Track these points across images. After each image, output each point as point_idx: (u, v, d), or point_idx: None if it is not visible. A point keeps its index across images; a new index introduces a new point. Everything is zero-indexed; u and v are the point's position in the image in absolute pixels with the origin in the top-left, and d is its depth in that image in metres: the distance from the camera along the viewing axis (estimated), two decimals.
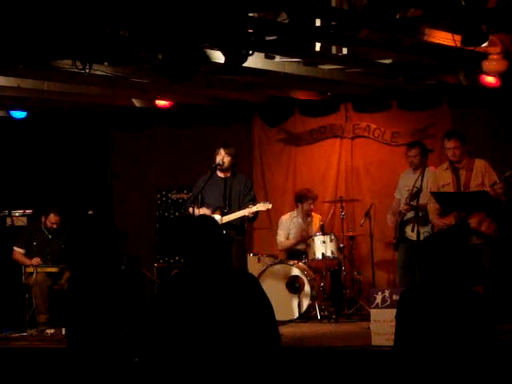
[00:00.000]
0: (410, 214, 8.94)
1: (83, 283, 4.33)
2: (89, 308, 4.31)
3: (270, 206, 8.60)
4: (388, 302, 7.12)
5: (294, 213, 10.48)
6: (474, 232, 8.06)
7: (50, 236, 9.84)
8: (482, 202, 8.03)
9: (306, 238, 10.16)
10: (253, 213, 8.53)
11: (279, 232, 10.48)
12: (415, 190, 8.68)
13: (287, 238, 10.39)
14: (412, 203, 8.81)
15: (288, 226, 10.44)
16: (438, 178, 8.34)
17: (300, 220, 10.41)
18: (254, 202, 8.61)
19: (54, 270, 9.50)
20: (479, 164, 8.30)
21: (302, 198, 10.32)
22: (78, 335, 4.34)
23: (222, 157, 8.64)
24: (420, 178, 8.62)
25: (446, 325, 4.05)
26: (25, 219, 10.59)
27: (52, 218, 9.77)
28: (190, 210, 8.56)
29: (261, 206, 8.54)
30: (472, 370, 3.99)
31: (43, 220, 9.88)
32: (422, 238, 8.42)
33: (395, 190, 9.50)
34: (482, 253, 8.09)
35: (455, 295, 4.11)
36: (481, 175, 8.16)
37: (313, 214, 10.48)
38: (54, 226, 9.77)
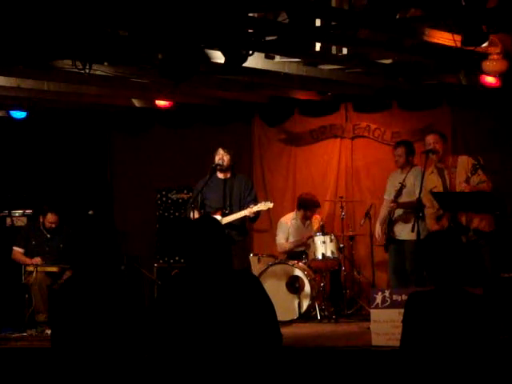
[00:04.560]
0: (399, 212, 9.01)
1: (80, 283, 4.30)
2: (83, 308, 4.29)
3: (271, 206, 8.56)
4: (388, 302, 7.11)
5: (293, 215, 10.47)
6: (466, 229, 8.09)
7: (48, 235, 9.84)
8: (482, 202, 8.03)
9: (305, 242, 10.17)
10: (254, 213, 8.49)
11: (279, 234, 10.47)
12: (399, 186, 8.81)
13: (287, 240, 10.40)
14: (398, 200, 8.92)
15: (287, 228, 10.43)
16: (427, 182, 8.38)
17: (299, 223, 10.42)
18: (256, 202, 8.57)
19: (53, 269, 9.51)
20: (462, 160, 8.35)
21: (306, 206, 10.31)
22: (65, 336, 4.31)
23: (221, 156, 8.62)
24: (406, 180, 8.91)
25: (454, 328, 4.04)
26: (25, 219, 10.60)
27: (50, 218, 9.77)
28: (191, 214, 8.52)
29: (262, 206, 8.50)
30: (478, 374, 3.98)
31: (41, 220, 9.87)
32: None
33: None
34: (480, 250, 8.10)
35: (461, 297, 4.09)
36: (464, 171, 8.18)
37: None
38: (53, 226, 9.77)
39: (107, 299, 4.33)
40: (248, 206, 8.50)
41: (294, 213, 10.48)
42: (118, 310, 4.33)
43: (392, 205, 8.99)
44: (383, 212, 9.34)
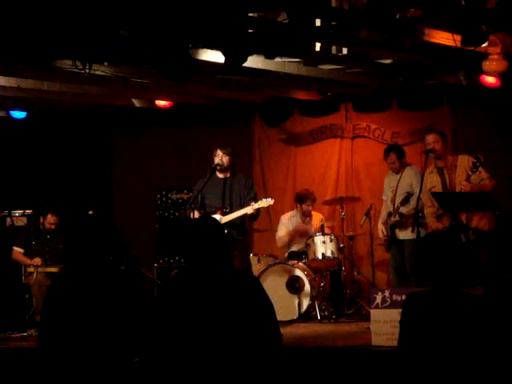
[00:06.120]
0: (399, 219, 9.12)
1: (72, 280, 4.29)
2: (74, 306, 4.28)
3: (272, 202, 8.56)
4: (388, 302, 7.11)
5: (294, 212, 10.52)
6: (466, 228, 8.09)
7: (48, 236, 9.83)
8: (482, 202, 8.03)
9: (303, 234, 10.19)
10: (255, 210, 8.49)
11: (278, 230, 10.53)
12: (405, 194, 8.85)
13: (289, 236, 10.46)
14: (403, 208, 9.02)
15: (287, 225, 10.48)
16: (426, 181, 8.38)
17: (298, 219, 10.44)
18: (256, 200, 8.58)
19: (54, 270, 9.50)
20: (463, 160, 8.34)
21: (301, 199, 10.35)
22: (54, 335, 4.29)
23: (220, 157, 8.62)
24: (401, 181, 9.03)
25: (452, 329, 4.04)
26: (25, 219, 10.59)
27: (50, 219, 9.76)
28: (190, 214, 8.52)
29: (263, 203, 8.50)
30: (477, 375, 3.98)
31: (41, 221, 9.86)
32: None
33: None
34: (478, 249, 8.10)
35: (459, 298, 4.09)
36: (465, 170, 8.18)
37: (313, 212, 10.50)
38: (53, 227, 9.76)
39: (101, 298, 4.32)
40: (249, 204, 8.50)
41: (294, 210, 10.52)
42: (115, 309, 4.32)
43: (396, 219, 9.04)
44: (384, 212, 9.38)
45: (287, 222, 10.50)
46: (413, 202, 8.92)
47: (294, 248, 10.42)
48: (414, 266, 8.76)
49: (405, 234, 8.99)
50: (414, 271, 8.72)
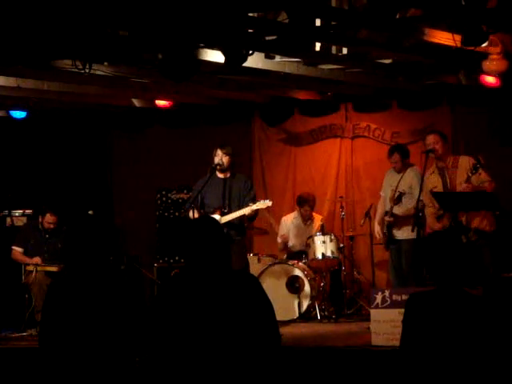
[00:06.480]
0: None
1: (73, 279, 4.30)
2: (75, 305, 4.28)
3: (270, 204, 8.57)
4: (388, 302, 7.11)
5: (295, 213, 10.53)
6: (467, 229, 8.09)
7: (47, 235, 9.83)
8: (482, 202, 8.03)
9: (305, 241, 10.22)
10: (253, 211, 8.50)
11: (279, 232, 10.54)
12: (397, 193, 8.85)
13: (286, 238, 10.46)
14: (396, 208, 8.99)
15: (288, 227, 10.48)
16: (427, 181, 8.39)
17: (300, 221, 10.45)
18: (255, 201, 8.59)
19: (53, 269, 9.50)
20: (463, 160, 8.35)
21: (300, 203, 10.38)
22: (55, 336, 4.28)
23: (220, 157, 8.62)
24: (402, 180, 9.01)
25: (454, 329, 4.04)
26: (24, 219, 10.58)
27: (48, 218, 9.75)
28: (190, 213, 8.53)
29: (261, 204, 8.52)
30: (478, 375, 3.98)
31: (40, 220, 9.87)
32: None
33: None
34: (481, 250, 8.10)
35: (461, 299, 4.09)
36: (465, 171, 8.18)
37: (314, 214, 10.51)
38: (51, 226, 9.75)
39: (102, 298, 4.32)
40: (247, 205, 8.51)
41: (296, 212, 10.53)
42: (115, 309, 4.32)
43: (390, 219, 9.03)
44: (380, 209, 9.39)
45: (288, 225, 10.51)
46: (406, 202, 8.94)
47: (294, 248, 10.43)
48: (412, 265, 8.78)
49: (401, 234, 9.01)
50: (412, 270, 8.73)
